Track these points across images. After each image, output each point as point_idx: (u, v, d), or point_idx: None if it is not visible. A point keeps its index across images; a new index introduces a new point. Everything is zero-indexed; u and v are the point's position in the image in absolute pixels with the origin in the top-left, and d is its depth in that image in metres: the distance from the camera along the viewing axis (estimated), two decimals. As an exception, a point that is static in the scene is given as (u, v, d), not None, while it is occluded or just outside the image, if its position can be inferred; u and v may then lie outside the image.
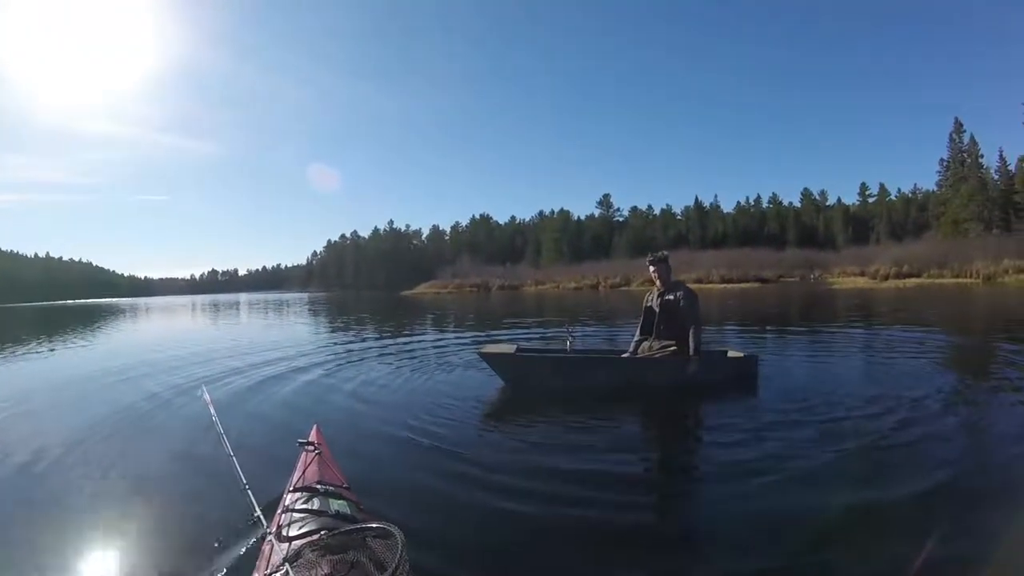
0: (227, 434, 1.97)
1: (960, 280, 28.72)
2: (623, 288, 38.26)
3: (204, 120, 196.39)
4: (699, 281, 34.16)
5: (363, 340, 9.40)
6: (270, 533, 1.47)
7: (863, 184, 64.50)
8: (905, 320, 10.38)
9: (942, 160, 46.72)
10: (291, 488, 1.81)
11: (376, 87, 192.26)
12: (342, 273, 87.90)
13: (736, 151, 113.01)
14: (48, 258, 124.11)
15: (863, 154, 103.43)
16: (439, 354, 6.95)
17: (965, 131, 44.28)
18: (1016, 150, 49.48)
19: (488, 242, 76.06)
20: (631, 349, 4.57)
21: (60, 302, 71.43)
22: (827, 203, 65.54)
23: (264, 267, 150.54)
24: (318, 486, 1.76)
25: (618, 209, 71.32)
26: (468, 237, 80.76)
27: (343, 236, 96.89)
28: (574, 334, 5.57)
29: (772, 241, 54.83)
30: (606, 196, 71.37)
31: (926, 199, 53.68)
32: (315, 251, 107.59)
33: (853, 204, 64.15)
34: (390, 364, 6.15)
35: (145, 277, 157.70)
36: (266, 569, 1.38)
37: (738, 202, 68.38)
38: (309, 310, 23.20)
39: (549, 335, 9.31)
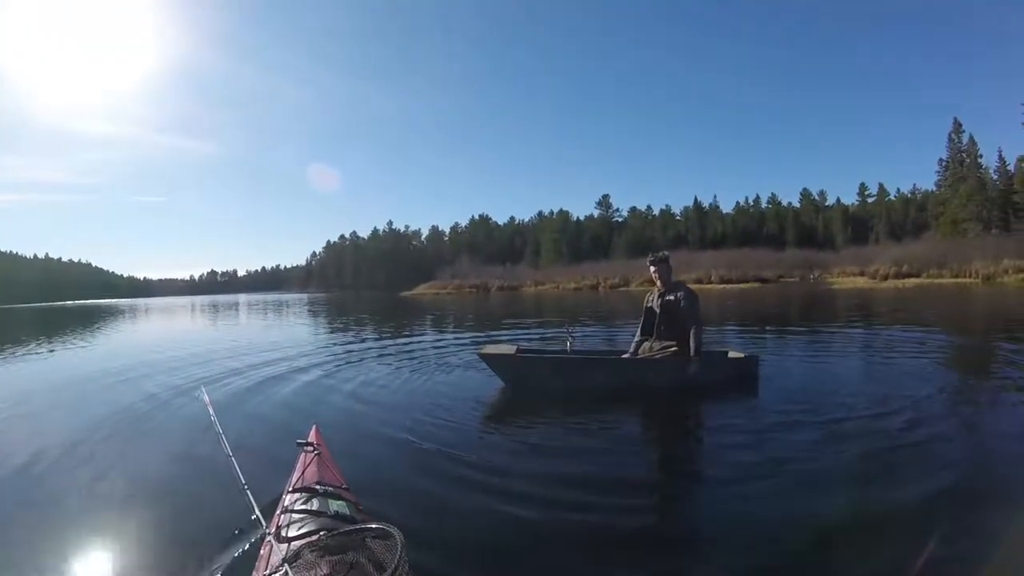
0: (226, 435, 1.96)
1: (959, 280, 28.73)
2: (622, 288, 38.26)
3: (204, 120, 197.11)
4: (699, 281, 34.15)
5: (362, 341, 9.39)
6: (269, 534, 1.46)
7: (862, 184, 64.86)
8: (905, 320, 10.37)
9: (941, 160, 46.91)
10: (290, 489, 1.80)
11: (376, 87, 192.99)
12: (341, 274, 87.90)
13: (736, 151, 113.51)
14: (47, 259, 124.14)
15: (862, 154, 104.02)
16: (438, 355, 6.94)
17: (964, 131, 44.45)
18: (1015, 150, 49.34)
19: (487, 243, 76.08)
20: (631, 350, 4.57)
21: (59, 303, 71.29)
22: (826, 203, 65.76)
23: (263, 268, 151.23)
24: (317, 487, 1.76)
25: (617, 209, 71.52)
26: (467, 238, 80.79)
27: (342, 237, 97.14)
28: (574, 335, 5.57)
29: (771, 241, 54.87)
30: (605, 196, 71.59)
31: (925, 199, 53.79)
32: (314, 252, 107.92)
33: (852, 204, 64.36)
34: (389, 365, 6.14)
35: (144, 278, 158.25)
36: (265, 569, 1.37)
37: (737, 202, 68.74)
38: (308, 311, 23.18)
39: (549, 336, 9.30)
